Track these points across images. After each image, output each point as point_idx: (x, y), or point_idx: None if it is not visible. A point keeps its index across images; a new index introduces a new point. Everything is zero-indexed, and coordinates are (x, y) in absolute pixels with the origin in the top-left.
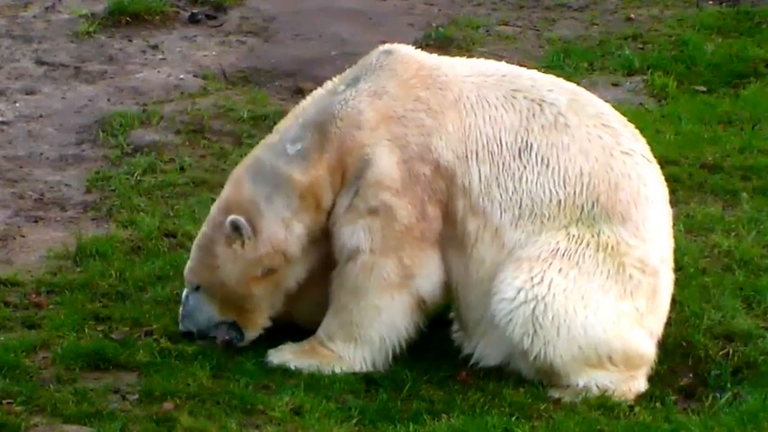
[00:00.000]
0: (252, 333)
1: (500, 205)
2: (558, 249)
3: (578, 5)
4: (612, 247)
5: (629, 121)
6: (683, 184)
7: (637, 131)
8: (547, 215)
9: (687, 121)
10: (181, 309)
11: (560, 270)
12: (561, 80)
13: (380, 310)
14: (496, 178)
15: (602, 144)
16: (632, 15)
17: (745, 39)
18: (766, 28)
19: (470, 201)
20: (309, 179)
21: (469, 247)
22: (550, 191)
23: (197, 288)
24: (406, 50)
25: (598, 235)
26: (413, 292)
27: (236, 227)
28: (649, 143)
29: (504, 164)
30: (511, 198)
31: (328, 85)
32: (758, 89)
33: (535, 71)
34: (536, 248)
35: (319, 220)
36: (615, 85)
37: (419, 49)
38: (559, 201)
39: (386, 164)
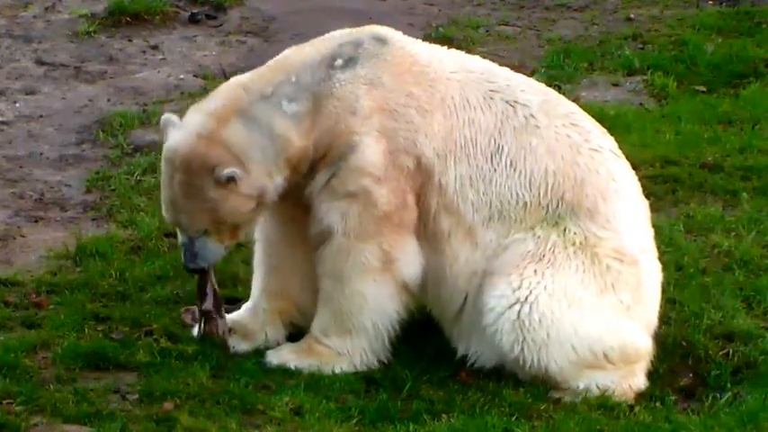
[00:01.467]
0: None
1: (472, 205)
2: (528, 252)
3: (578, 5)
4: (581, 242)
5: (629, 121)
6: (683, 184)
7: (605, 130)
8: (514, 217)
9: (687, 121)
10: (185, 251)
11: (536, 271)
12: (532, 80)
13: (366, 296)
14: (470, 179)
15: (569, 142)
16: (632, 15)
17: (745, 39)
18: (766, 28)
19: (445, 199)
20: (302, 145)
21: (443, 242)
22: (517, 194)
23: (205, 232)
24: (399, 43)
25: (564, 233)
26: (395, 275)
27: (229, 177)
28: (649, 143)
29: (477, 166)
30: (482, 200)
31: (320, 48)
32: (758, 89)
33: (507, 69)
34: (508, 255)
35: (293, 178)
36: (615, 85)
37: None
38: (525, 203)
39: (371, 152)
